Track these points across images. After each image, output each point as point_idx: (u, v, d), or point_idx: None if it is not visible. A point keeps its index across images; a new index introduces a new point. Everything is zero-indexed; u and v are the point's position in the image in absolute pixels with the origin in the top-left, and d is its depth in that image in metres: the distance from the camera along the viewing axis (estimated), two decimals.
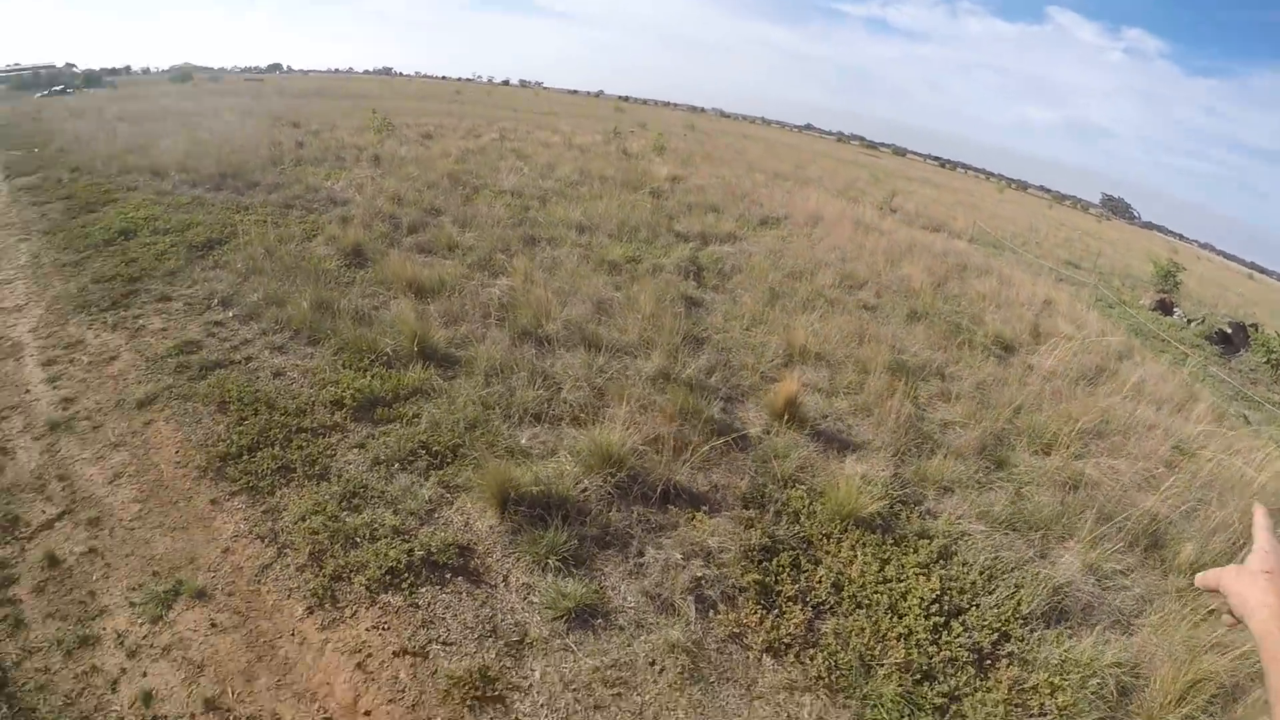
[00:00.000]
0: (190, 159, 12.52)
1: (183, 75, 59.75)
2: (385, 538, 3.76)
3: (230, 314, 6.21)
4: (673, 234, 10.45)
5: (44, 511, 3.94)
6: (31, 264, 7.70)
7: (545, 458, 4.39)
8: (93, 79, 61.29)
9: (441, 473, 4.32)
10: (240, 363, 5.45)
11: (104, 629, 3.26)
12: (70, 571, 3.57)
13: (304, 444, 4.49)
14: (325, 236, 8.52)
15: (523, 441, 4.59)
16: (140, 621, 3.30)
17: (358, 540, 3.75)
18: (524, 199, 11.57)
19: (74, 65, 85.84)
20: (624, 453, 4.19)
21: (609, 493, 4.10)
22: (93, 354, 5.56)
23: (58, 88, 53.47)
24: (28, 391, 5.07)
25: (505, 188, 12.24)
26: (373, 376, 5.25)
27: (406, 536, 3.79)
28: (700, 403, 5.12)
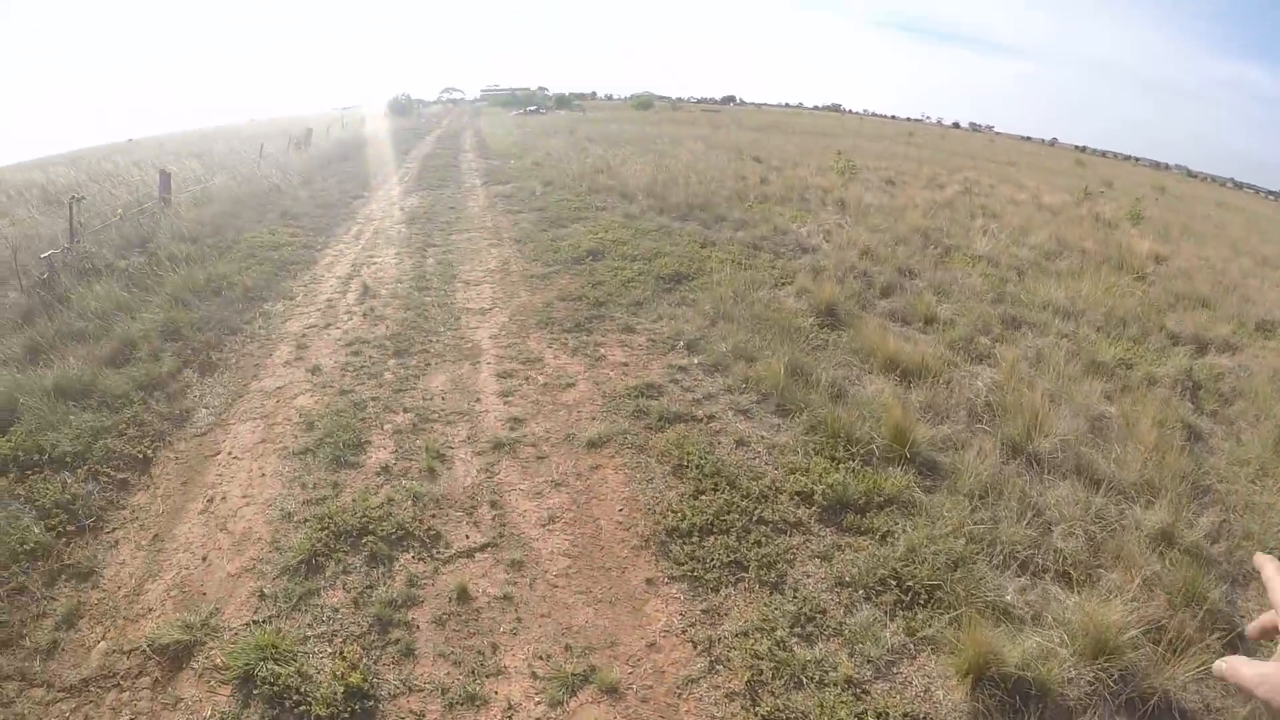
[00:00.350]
0: (656, 185, 14.50)
1: (644, 103, 71.29)
2: (835, 686, 3.50)
3: (695, 361, 6.69)
4: (1164, 333, 9.73)
5: (468, 537, 4.44)
6: (500, 269, 9.39)
7: (1028, 624, 4.01)
8: (563, 101, 76.82)
9: (910, 616, 3.96)
10: (702, 421, 5.75)
11: (495, 693, 3.45)
12: (478, 614, 3.92)
13: (762, 539, 4.43)
14: (796, 288, 8.88)
15: (1007, 596, 4.08)
16: (538, 700, 3.43)
17: (804, 681, 3.50)
18: (1000, 269, 11.35)
19: (545, 88, 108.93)
20: (1122, 642, 3.82)
21: (1095, 691, 3.64)
22: (549, 375, 6.37)
23: (532, 108, 68.67)
24: (479, 400, 5.96)
25: (979, 252, 12.06)
26: (846, 471, 5.09)
27: (859, 692, 3.48)
28: (1203, 581, 4.45)
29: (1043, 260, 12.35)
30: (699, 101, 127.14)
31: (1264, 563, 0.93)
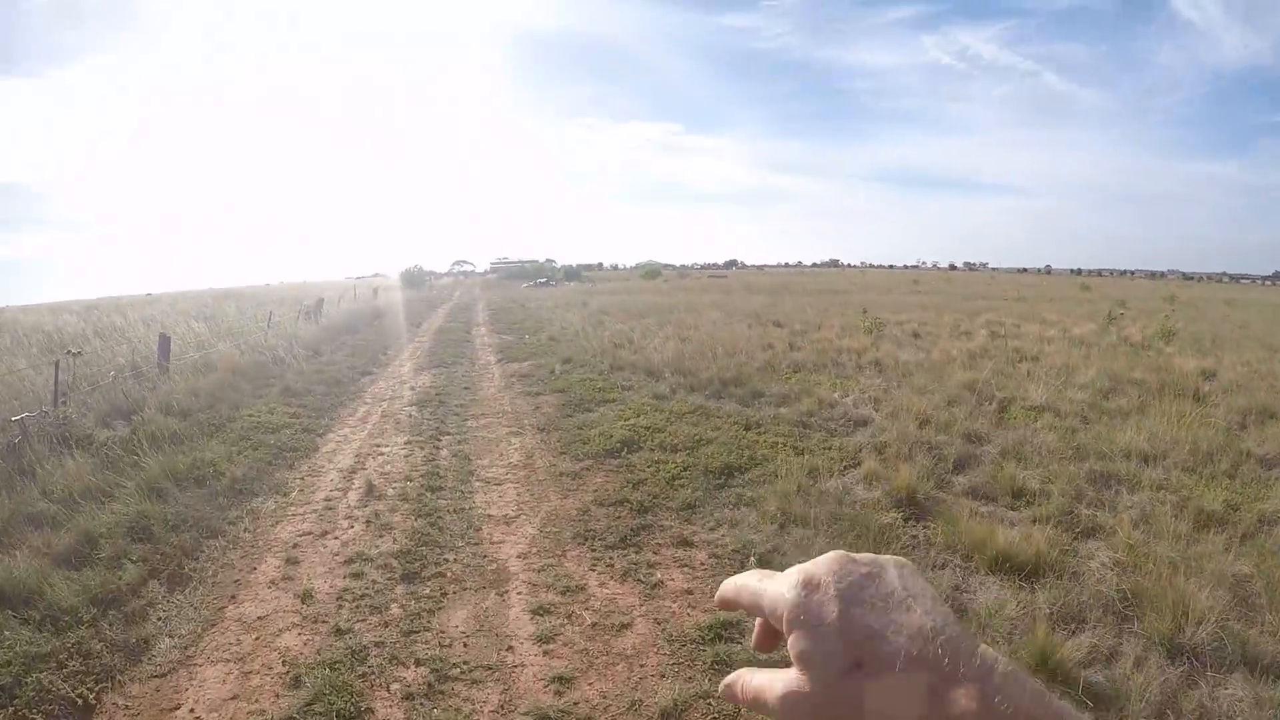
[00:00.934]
0: (683, 360, 13.76)
1: (652, 272, 72.38)
2: None
3: None
4: (1254, 461, 9.01)
5: None
6: (524, 464, 8.28)
7: None
8: (572, 274, 77.99)
9: None
10: None
11: None
12: None
13: None
14: (864, 472, 7.85)
15: None
16: None
17: None
18: (1064, 418, 10.65)
19: (553, 260, 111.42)
20: None
21: None
22: (597, 612, 5.12)
23: (541, 280, 69.66)
24: (510, 649, 4.70)
25: (1035, 402, 11.43)
26: None
27: None
28: None
29: (1100, 400, 11.83)
30: (703, 268, 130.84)
31: (730, 589, 0.66)
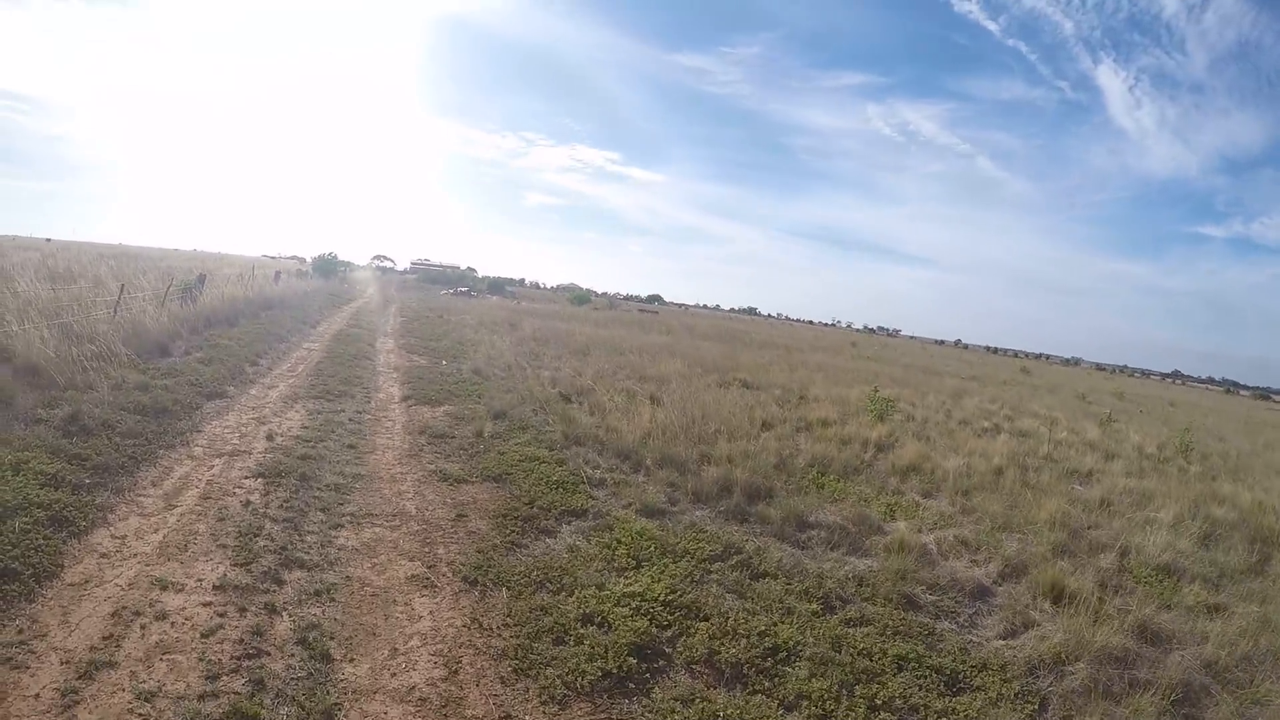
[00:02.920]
0: (665, 436, 9.86)
1: (581, 299, 67.84)
2: None
3: None
4: None
5: None
6: (441, 701, 3.99)
7: None
8: (496, 286, 72.74)
9: None
10: None
11: None
12: None
13: None
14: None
15: None
16: None
17: None
18: (1209, 586, 8.10)
19: (474, 269, 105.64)
20: None
21: None
22: None
23: (463, 289, 64.18)
24: None
25: (1154, 555, 8.71)
26: None
27: None
28: None
29: (1212, 552, 9.26)
30: (626, 298, 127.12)
31: None
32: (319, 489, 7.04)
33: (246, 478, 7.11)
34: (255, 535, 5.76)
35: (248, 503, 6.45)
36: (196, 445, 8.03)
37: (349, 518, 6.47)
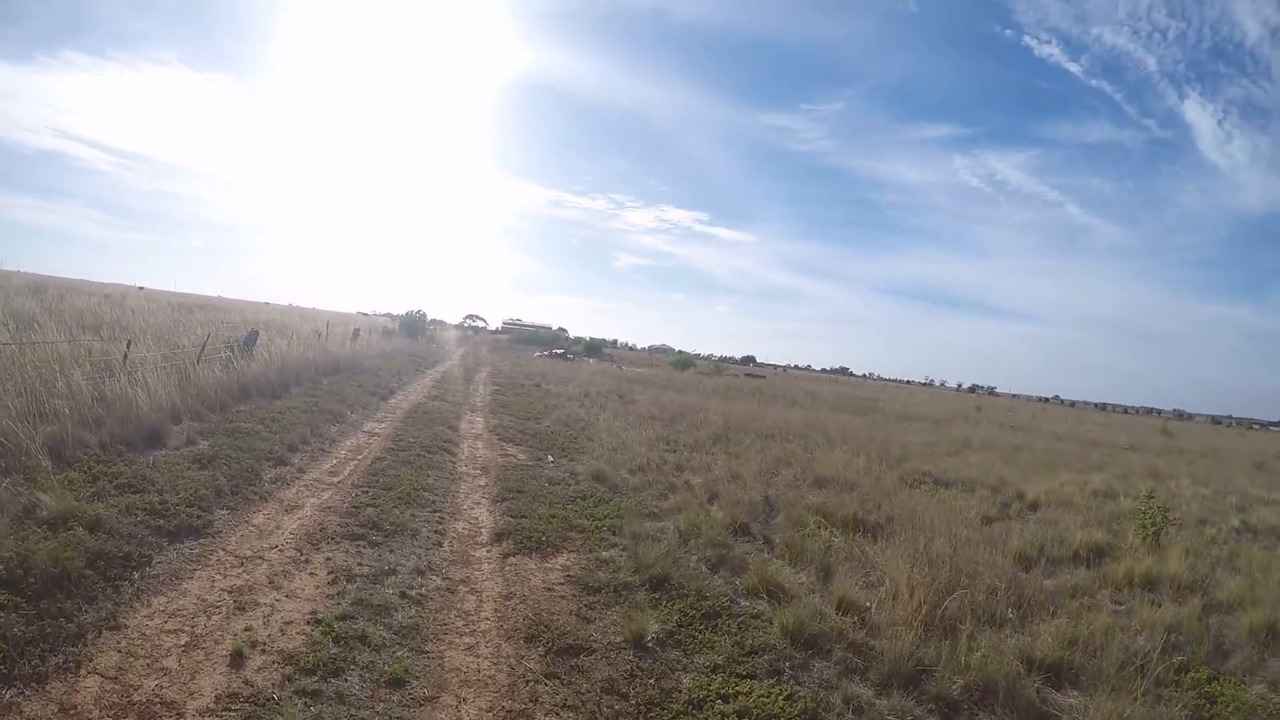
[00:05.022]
0: (944, 613, 5.05)
1: (684, 362, 62.99)
2: None
3: None
4: None
5: None
6: None
7: None
8: (593, 349, 68.37)
9: None
10: None
11: None
12: None
13: None
14: None
15: None
16: None
17: None
18: None
19: (565, 329, 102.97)
20: None
21: None
22: None
23: (559, 350, 60.16)
24: None
25: None
26: None
27: None
28: None
29: None
30: (722, 359, 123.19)
31: None
32: None
33: None
34: None
35: None
36: (83, 684, 3.77)
37: None
